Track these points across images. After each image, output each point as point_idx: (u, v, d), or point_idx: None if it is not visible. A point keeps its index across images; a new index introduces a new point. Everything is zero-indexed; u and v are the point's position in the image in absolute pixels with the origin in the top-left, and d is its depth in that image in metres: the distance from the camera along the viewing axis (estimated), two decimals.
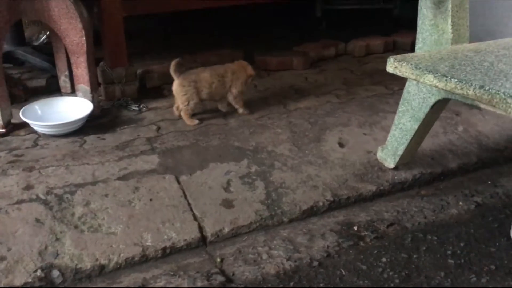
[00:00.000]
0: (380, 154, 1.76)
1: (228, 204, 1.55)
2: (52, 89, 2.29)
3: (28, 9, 1.89)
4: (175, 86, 1.96)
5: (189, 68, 2.04)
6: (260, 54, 2.65)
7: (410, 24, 3.13)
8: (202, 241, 1.43)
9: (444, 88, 1.28)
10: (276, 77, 2.50)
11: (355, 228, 1.49)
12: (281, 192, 1.61)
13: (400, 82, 2.35)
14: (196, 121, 1.99)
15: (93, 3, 2.08)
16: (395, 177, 1.71)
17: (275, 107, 2.14)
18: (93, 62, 2.03)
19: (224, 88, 2.00)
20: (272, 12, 3.49)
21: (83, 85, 2.01)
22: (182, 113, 1.99)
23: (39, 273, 1.26)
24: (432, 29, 1.52)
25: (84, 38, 1.91)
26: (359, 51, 2.80)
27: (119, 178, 1.60)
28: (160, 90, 2.34)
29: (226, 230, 1.46)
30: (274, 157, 1.76)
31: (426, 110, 1.53)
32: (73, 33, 1.91)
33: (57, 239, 1.36)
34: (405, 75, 1.36)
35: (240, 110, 2.06)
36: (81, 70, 1.99)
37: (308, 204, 1.58)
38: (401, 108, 1.64)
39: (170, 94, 2.29)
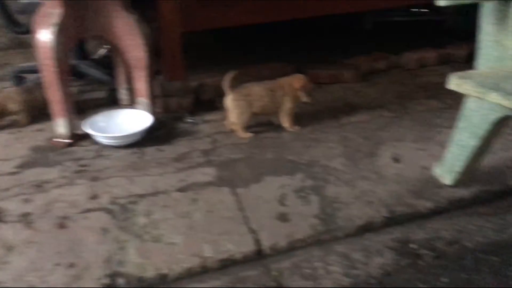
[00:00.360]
0: (436, 171, 1.73)
1: (283, 217, 1.57)
2: (112, 102, 2.40)
3: (93, 26, 1.99)
4: (228, 100, 2.01)
5: (242, 82, 2.08)
6: (311, 67, 2.67)
7: (463, 36, 3.08)
8: (259, 254, 1.46)
9: (509, 106, 1.26)
10: (327, 91, 2.50)
11: (413, 246, 1.48)
12: (336, 207, 1.62)
13: (454, 96, 2.31)
14: (249, 135, 2.03)
15: (153, 19, 2.17)
16: (453, 194, 1.68)
17: (328, 121, 2.15)
18: (152, 76, 2.11)
19: (275, 103, 2.03)
20: (322, 24, 3.50)
21: (143, 98, 2.09)
22: (235, 127, 2.03)
23: (106, 280, 1.32)
24: (494, 45, 1.49)
25: (144, 53, 2.00)
26: (412, 64, 2.77)
27: (178, 190, 1.65)
28: (213, 103, 2.39)
29: (282, 243, 1.48)
30: (328, 171, 1.78)
31: (487, 127, 1.50)
32: (134, 49, 2.00)
33: (121, 248, 1.42)
34: (467, 92, 1.35)
35: (288, 127, 2.07)
36: (141, 84, 2.07)
37: (363, 219, 1.58)
38: (460, 124, 1.61)
39: (223, 107, 2.36)
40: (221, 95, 2.44)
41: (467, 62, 2.81)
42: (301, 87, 2.03)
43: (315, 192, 1.67)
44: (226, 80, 1.99)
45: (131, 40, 1.98)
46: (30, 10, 2.42)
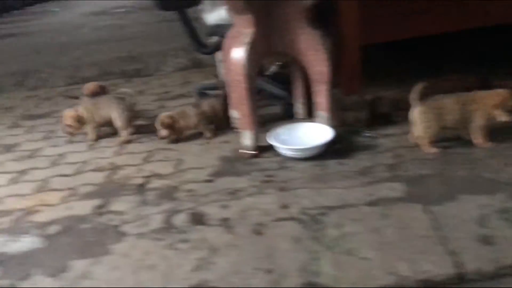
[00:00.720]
0: None
1: (486, 240, 1.44)
2: (287, 116, 2.48)
3: (279, 43, 2.09)
4: (416, 113, 1.93)
5: (428, 94, 1.98)
6: (499, 79, 2.44)
7: None
8: (461, 278, 1.35)
9: None
10: None
11: None
12: None
13: None
14: (436, 150, 1.92)
15: (332, 34, 2.19)
16: None
17: None
18: (333, 90, 2.13)
19: (467, 118, 1.89)
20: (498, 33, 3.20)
21: (323, 112, 2.12)
22: (421, 141, 1.94)
23: None
24: None
25: (327, 68, 2.02)
26: None
27: (367, 204, 1.62)
28: (389, 116, 2.32)
29: (488, 268, 1.35)
30: None
31: None
32: (317, 64, 2.04)
33: (314, 258, 1.44)
34: None
35: (479, 143, 1.91)
36: (322, 98, 2.10)
37: None
38: None
39: (401, 120, 2.27)
40: (398, 108, 2.37)
41: None
42: (499, 104, 1.85)
43: None
44: (415, 92, 1.91)
45: (314, 55, 2.03)
46: (215, 32, 2.65)
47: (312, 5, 1.99)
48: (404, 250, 1.43)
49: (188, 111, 2.35)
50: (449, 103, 1.88)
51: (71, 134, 2.47)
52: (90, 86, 2.78)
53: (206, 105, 2.41)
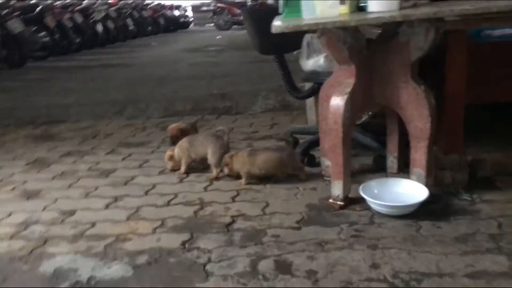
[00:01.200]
0: None
1: None
2: (379, 168, 2.41)
3: (379, 95, 2.06)
4: None
5: None
6: None
7: None
8: None
9: None
10: None
11: None
12: None
13: None
14: None
15: (436, 88, 2.12)
16: None
17: None
18: (432, 147, 2.04)
19: None
20: None
21: (419, 169, 2.03)
22: None
23: None
24: None
25: (429, 124, 1.95)
26: None
27: (466, 275, 1.50)
28: (492, 181, 2.18)
29: None
30: None
31: None
32: (418, 119, 1.97)
33: None
34: None
35: None
36: (420, 155, 2.02)
37: None
38: None
39: (504, 186, 2.12)
40: (502, 173, 2.22)
41: None
42: None
43: None
44: None
45: (415, 110, 1.97)
46: (311, 78, 2.67)
47: (417, 60, 1.95)
48: None
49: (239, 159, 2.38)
50: None
51: (172, 169, 2.61)
52: (172, 129, 2.92)
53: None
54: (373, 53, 2.00)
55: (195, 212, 2.09)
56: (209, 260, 1.69)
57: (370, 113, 3.16)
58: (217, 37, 13.01)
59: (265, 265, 1.63)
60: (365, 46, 1.98)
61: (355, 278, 1.53)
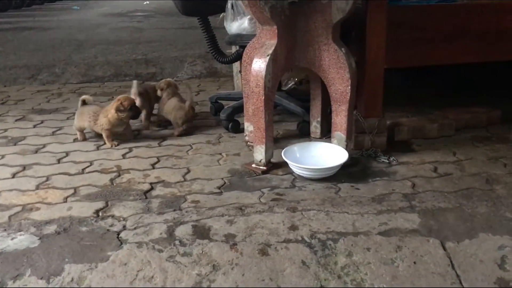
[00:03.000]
0: None
1: (504, 284, 1.36)
2: (303, 133, 2.42)
3: (301, 57, 2.03)
4: None
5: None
6: None
7: None
8: None
9: None
10: None
11: None
12: None
13: None
14: None
15: (353, 53, 2.13)
16: None
17: None
18: (352, 111, 2.06)
19: None
20: None
21: (340, 133, 2.05)
22: None
23: None
24: None
25: (349, 87, 1.96)
26: None
27: (380, 233, 1.54)
28: (408, 144, 2.25)
29: None
30: None
31: None
32: (339, 82, 1.98)
33: (321, 286, 1.36)
34: None
35: None
36: (340, 118, 2.03)
37: None
38: None
39: (420, 149, 2.20)
40: (418, 137, 2.30)
41: None
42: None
43: None
44: None
45: (337, 73, 1.96)
46: (238, 41, 2.60)
47: (339, 22, 1.93)
48: (416, 286, 1.35)
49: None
50: None
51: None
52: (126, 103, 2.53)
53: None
54: (296, 14, 1.96)
55: (111, 180, 1.98)
56: (124, 228, 1.60)
57: (297, 79, 3.16)
58: (145, 3, 12.48)
59: (182, 231, 1.57)
60: (287, 6, 1.93)
61: (274, 240, 1.52)
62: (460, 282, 1.37)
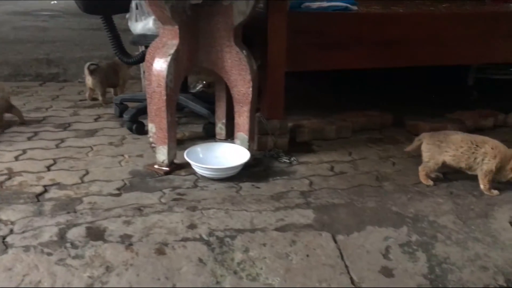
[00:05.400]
0: None
1: (387, 272, 1.46)
2: (208, 135, 2.43)
3: (204, 59, 2.05)
4: (423, 143, 1.96)
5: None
6: (411, 118, 2.57)
7: None
8: None
9: None
10: None
11: None
12: (445, 268, 1.48)
13: None
14: (431, 183, 1.93)
15: (257, 56, 2.18)
16: None
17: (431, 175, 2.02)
18: (255, 112, 2.11)
19: (474, 159, 1.86)
20: (417, 76, 3.40)
21: (243, 133, 2.09)
22: (420, 169, 1.96)
23: None
24: None
25: (251, 89, 2.01)
26: None
27: (276, 229, 1.59)
28: (309, 145, 2.35)
29: None
30: (436, 228, 1.64)
31: None
32: (241, 84, 2.02)
33: (217, 282, 1.37)
34: None
35: (483, 189, 1.87)
36: (243, 119, 2.07)
37: (477, 286, 1.43)
38: None
39: (319, 149, 2.30)
40: (318, 138, 2.41)
41: None
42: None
43: (423, 248, 1.54)
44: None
45: (239, 74, 2.00)
46: (142, 41, 2.56)
47: (240, 24, 1.98)
48: (308, 278, 1.41)
49: None
50: (456, 140, 1.89)
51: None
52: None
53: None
54: (198, 15, 1.98)
55: (1, 183, 1.86)
56: (11, 232, 1.51)
57: (205, 82, 3.18)
58: (52, 2, 11.84)
59: (75, 233, 1.51)
60: (189, 6, 1.93)
61: (171, 239, 1.51)
62: (348, 272, 1.45)
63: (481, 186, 1.87)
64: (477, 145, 1.86)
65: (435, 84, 3.39)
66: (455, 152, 1.88)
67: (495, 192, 1.86)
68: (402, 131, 2.55)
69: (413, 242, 1.57)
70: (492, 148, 1.85)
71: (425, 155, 1.94)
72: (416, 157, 2.21)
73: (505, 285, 1.44)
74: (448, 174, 2.01)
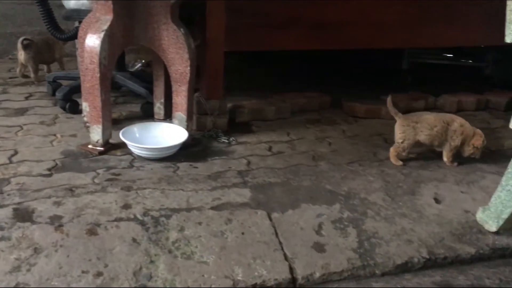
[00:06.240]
0: (480, 216, 1.65)
1: (319, 248, 1.51)
2: (146, 115, 2.38)
3: (141, 36, 2.00)
4: (396, 125, 2.01)
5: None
6: (348, 100, 2.64)
7: (500, 85, 3.03)
8: (292, 282, 1.39)
9: None
10: (364, 124, 2.46)
11: None
12: (373, 242, 1.54)
13: (499, 142, 2.25)
14: (401, 163, 1.99)
15: (197, 36, 2.16)
16: (496, 242, 1.59)
17: (365, 154, 2.10)
18: (193, 92, 2.09)
19: (445, 136, 1.98)
20: (355, 59, 3.49)
21: (181, 113, 2.07)
22: (392, 150, 2.01)
23: None
24: None
25: (188, 68, 1.98)
26: (450, 106, 2.72)
27: (212, 208, 1.60)
28: (248, 125, 2.36)
29: (317, 275, 1.41)
30: (366, 205, 1.71)
31: None
32: (179, 63, 1.99)
33: (151, 262, 1.36)
34: None
35: (446, 161, 2.02)
36: (181, 99, 2.05)
37: (402, 258, 1.50)
38: (510, 169, 1.55)
39: (258, 130, 2.32)
40: (257, 119, 2.42)
41: (505, 110, 2.76)
42: (477, 144, 1.99)
43: (353, 224, 1.60)
44: (390, 102, 2.03)
45: (176, 53, 1.97)
46: (74, 16, 2.46)
47: (177, 2, 1.94)
48: (242, 255, 1.43)
49: None
50: (429, 119, 1.98)
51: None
52: None
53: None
54: None
55: None
56: None
57: (144, 61, 3.10)
58: None
59: (1, 215, 1.45)
60: None
61: (104, 219, 1.48)
62: (282, 249, 1.48)
63: (445, 159, 2.02)
64: (447, 124, 1.99)
65: (372, 68, 3.49)
66: (430, 132, 1.98)
67: (455, 164, 2.02)
68: (340, 112, 2.62)
69: (345, 219, 1.62)
70: (460, 126, 1.99)
71: (400, 136, 2.00)
72: (352, 137, 2.29)
73: (427, 256, 1.52)
74: (379, 154, 2.10)
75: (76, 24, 2.72)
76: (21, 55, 2.80)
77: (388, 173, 1.93)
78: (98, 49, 1.81)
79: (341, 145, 2.19)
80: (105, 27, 1.83)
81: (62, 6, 2.54)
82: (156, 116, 2.36)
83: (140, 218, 1.51)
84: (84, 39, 2.04)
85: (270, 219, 1.58)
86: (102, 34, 1.81)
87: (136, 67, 3.03)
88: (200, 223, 1.52)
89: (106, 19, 1.85)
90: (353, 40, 2.47)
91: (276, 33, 2.27)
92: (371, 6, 2.47)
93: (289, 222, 1.59)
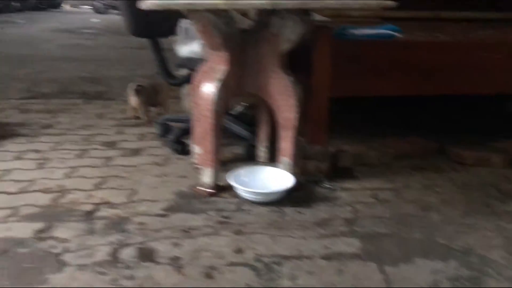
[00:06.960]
0: None
1: None
2: (249, 157, 2.45)
3: (251, 84, 2.08)
4: None
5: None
6: (454, 146, 2.54)
7: None
8: None
9: None
10: (474, 173, 2.34)
11: None
12: None
13: None
14: None
15: (303, 82, 2.21)
16: None
17: (479, 207, 1.99)
18: (298, 137, 2.13)
19: None
20: (458, 103, 3.36)
21: (286, 158, 2.11)
22: None
23: None
24: None
25: (295, 114, 2.03)
26: None
27: (322, 257, 1.59)
28: (351, 171, 2.34)
29: None
30: (486, 263, 1.61)
31: None
32: (286, 109, 2.04)
33: None
34: None
35: None
36: (287, 144, 2.09)
37: None
38: None
39: (361, 175, 2.30)
40: (360, 164, 2.40)
41: None
42: None
43: (474, 284, 1.51)
44: None
45: (284, 100, 2.03)
46: (186, 64, 2.63)
47: (287, 50, 2.01)
48: None
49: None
50: None
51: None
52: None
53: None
54: (247, 42, 2.03)
55: (54, 200, 1.93)
56: (66, 250, 1.56)
57: (245, 103, 3.22)
58: (94, 20, 12.27)
59: (127, 253, 1.55)
60: (238, 34, 1.99)
61: (219, 263, 1.53)
62: None
63: None
64: None
65: (471, 110, 3.34)
66: None
67: None
68: (445, 159, 2.52)
69: (463, 277, 1.53)
70: None
71: None
72: (461, 186, 2.19)
73: None
74: (494, 207, 1.98)
75: (183, 70, 2.92)
76: (133, 100, 3.03)
77: (506, 228, 1.81)
78: (213, 97, 1.92)
79: (451, 195, 2.10)
80: (220, 76, 1.94)
81: (169, 50, 2.73)
82: (260, 160, 2.42)
83: (253, 263, 1.54)
84: (198, 86, 2.18)
85: (383, 273, 1.54)
86: (217, 84, 1.92)
87: (237, 110, 3.15)
88: (311, 273, 1.52)
89: (221, 69, 1.97)
90: (459, 86, 2.39)
91: (381, 80, 2.27)
92: (479, 51, 2.39)
93: (402, 277, 1.53)
